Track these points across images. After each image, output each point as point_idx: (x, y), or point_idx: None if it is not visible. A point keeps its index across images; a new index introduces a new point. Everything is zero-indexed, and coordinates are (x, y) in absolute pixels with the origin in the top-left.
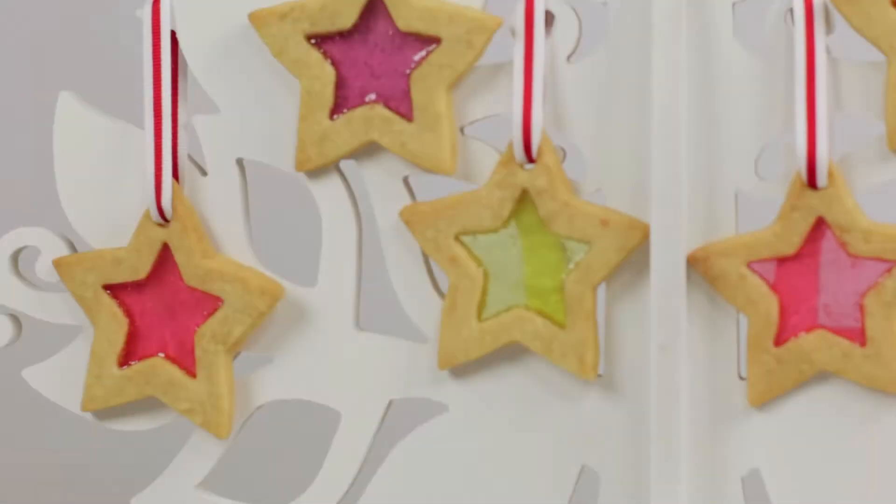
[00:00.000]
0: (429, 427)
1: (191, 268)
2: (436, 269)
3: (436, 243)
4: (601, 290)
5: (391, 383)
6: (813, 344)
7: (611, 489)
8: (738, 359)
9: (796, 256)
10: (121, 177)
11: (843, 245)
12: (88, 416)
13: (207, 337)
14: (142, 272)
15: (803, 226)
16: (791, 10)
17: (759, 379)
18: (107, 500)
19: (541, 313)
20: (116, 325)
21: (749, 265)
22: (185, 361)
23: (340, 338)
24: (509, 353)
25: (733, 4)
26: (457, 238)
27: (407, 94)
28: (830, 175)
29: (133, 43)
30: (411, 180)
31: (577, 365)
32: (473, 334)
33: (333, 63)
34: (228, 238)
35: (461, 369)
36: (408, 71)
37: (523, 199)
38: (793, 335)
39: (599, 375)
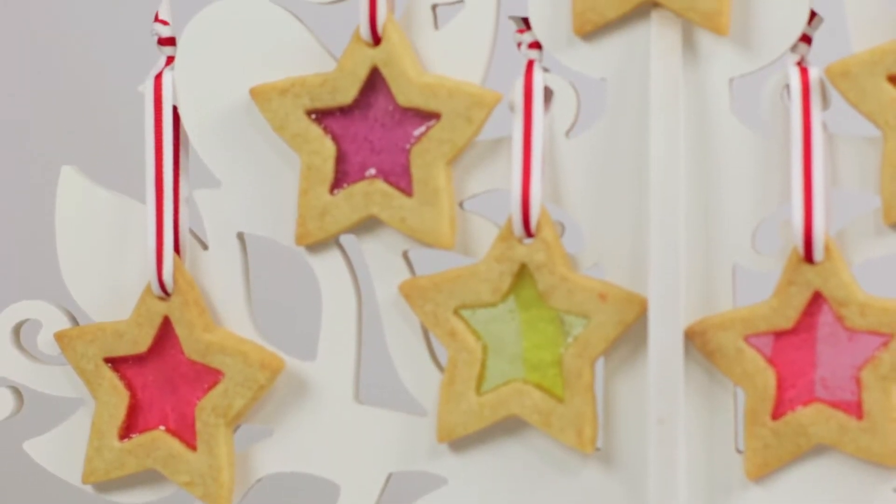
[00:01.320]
0: (428, 500)
1: (192, 341)
2: (435, 342)
3: (435, 317)
4: (599, 364)
5: (390, 456)
6: (810, 417)
7: None
8: (735, 432)
9: (793, 330)
10: (122, 250)
11: (839, 319)
12: (89, 488)
13: (208, 410)
14: (143, 345)
15: (800, 300)
16: (787, 86)
17: (756, 452)
18: None
19: (539, 387)
20: (117, 398)
21: (746, 339)
22: (186, 434)
23: (340, 411)
24: (508, 426)
25: (730, 80)
26: (456, 312)
27: (407, 168)
28: (827, 249)
29: (135, 117)
30: (411, 254)
31: (576, 438)
32: (472, 408)
33: (334, 138)
34: (229, 311)
35: (460, 442)
36: (408, 146)
37: (522, 273)
38: (790, 409)
39: (598, 449)
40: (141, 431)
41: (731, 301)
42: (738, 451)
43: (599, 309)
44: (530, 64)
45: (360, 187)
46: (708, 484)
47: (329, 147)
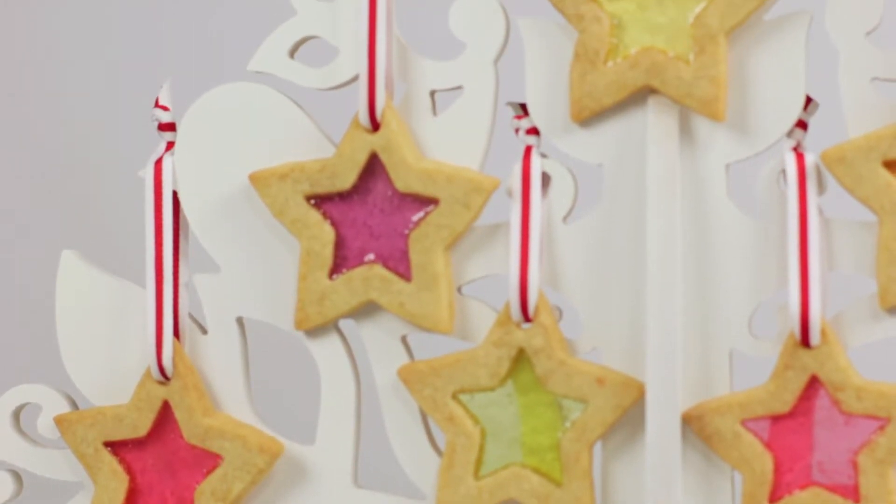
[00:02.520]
0: None
1: (191, 425)
2: (433, 426)
3: (433, 402)
4: (597, 448)
5: None
6: (807, 501)
7: None
8: None
9: (790, 414)
10: (122, 334)
11: (836, 403)
12: None
13: (207, 494)
14: (142, 429)
15: (797, 384)
16: (784, 171)
17: None
18: None
19: (537, 471)
20: (117, 482)
21: (743, 423)
22: None
23: (339, 495)
24: None
25: (726, 165)
26: (454, 396)
27: (405, 254)
28: (823, 334)
29: (135, 202)
30: (409, 339)
31: None
32: (471, 492)
33: (333, 223)
34: (228, 395)
35: None
36: (406, 231)
37: (520, 357)
38: (787, 493)
39: None
40: None
41: (728, 385)
42: None
43: (597, 393)
44: (528, 150)
45: (358, 272)
46: None
47: (328, 232)
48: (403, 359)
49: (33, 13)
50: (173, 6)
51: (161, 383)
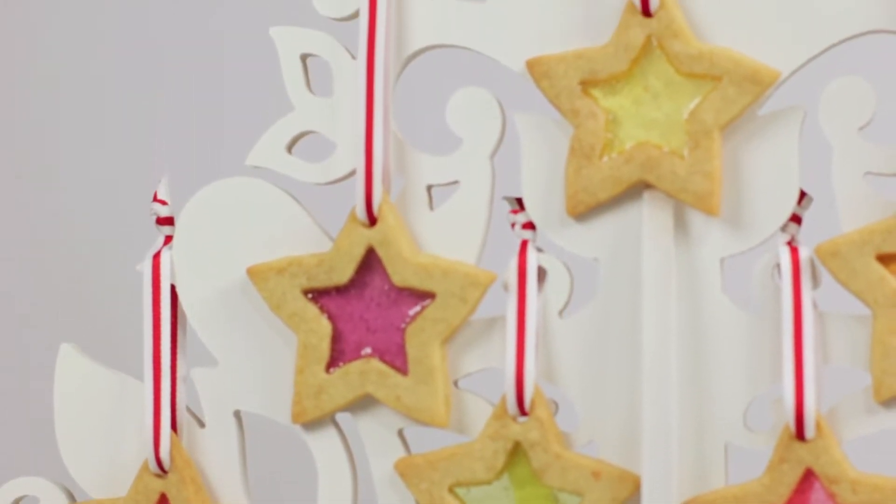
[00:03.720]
0: None
1: None
2: None
3: (430, 495)
4: None
5: None
6: None
7: None
8: None
9: None
10: (120, 428)
11: (831, 496)
12: None
13: None
14: None
15: (792, 477)
16: (778, 265)
17: None
18: None
19: None
20: None
21: None
22: None
23: None
24: None
25: (721, 259)
26: (451, 490)
27: (402, 348)
28: (818, 427)
29: (134, 296)
30: (406, 432)
31: None
32: None
33: (330, 317)
34: (226, 489)
35: None
36: (403, 325)
37: (516, 451)
38: None
39: None
40: None
41: (723, 478)
42: None
43: (593, 487)
44: (524, 244)
45: (355, 366)
46: None
47: (325, 326)
48: (400, 452)
49: (32, 103)
50: (172, 100)
51: (158, 476)
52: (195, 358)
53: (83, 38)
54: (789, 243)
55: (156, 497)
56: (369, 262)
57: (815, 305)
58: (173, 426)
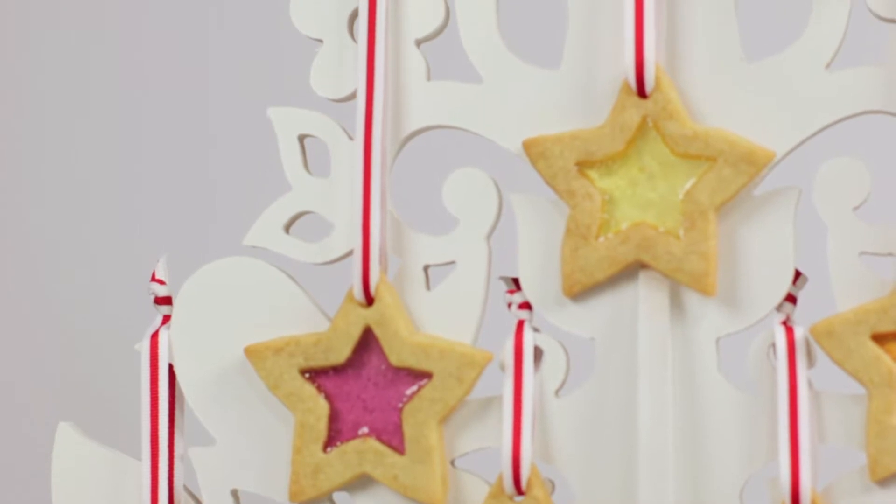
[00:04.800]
0: None
1: None
2: None
3: None
4: None
5: None
6: None
7: None
8: None
9: None
10: None
11: None
12: None
13: None
14: None
15: None
16: (774, 345)
17: None
18: None
19: None
20: None
21: None
22: None
23: None
24: None
25: (717, 339)
26: None
27: (399, 427)
28: None
29: (132, 375)
30: None
31: None
32: None
33: (327, 397)
34: None
35: None
36: (400, 405)
37: None
38: None
39: None
40: None
41: None
42: None
43: None
44: (520, 324)
45: (353, 445)
46: None
47: (322, 406)
48: None
49: (30, 187)
50: (171, 180)
51: None
52: (193, 437)
53: (86, 120)
54: (784, 323)
55: None
56: (366, 341)
57: (810, 384)
58: None
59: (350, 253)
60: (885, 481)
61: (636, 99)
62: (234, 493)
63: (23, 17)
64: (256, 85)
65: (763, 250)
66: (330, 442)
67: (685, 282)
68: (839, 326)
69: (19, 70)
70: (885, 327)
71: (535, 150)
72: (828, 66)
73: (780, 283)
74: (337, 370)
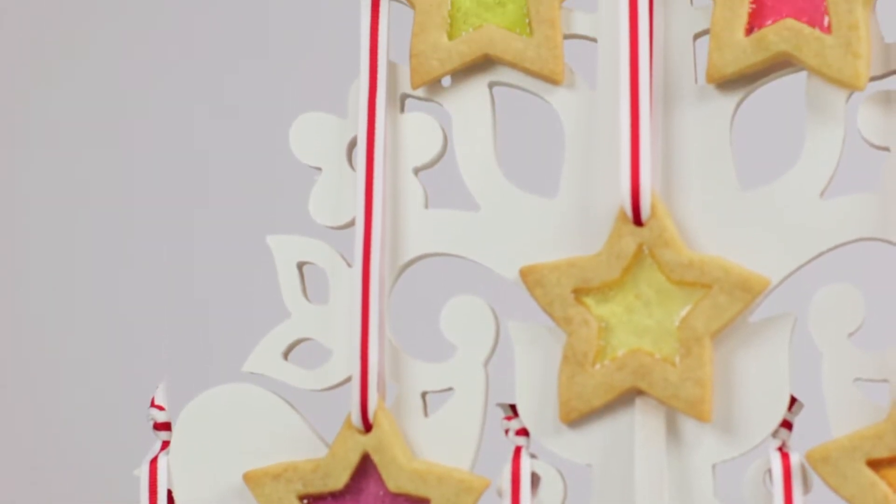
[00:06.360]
0: None
1: None
2: None
3: None
4: None
5: None
6: None
7: None
8: None
9: None
10: None
11: None
12: None
13: None
14: None
15: None
16: (769, 471)
17: None
18: None
19: None
20: None
21: None
22: None
23: None
24: None
25: (713, 465)
26: None
27: None
28: None
29: (131, 501)
30: None
31: None
32: None
33: None
34: None
35: None
36: None
37: None
38: None
39: None
40: None
41: None
42: None
43: None
44: (517, 450)
45: None
46: None
47: None
48: None
49: (30, 313)
50: (171, 306)
51: None
52: None
53: (85, 248)
54: (780, 449)
55: None
56: (364, 467)
57: None
58: None
59: (348, 379)
60: None
61: (632, 227)
62: None
63: (20, 144)
64: (256, 212)
65: (759, 376)
66: None
67: (681, 408)
68: (835, 452)
69: (13, 208)
70: (880, 453)
71: (531, 278)
72: (822, 193)
73: (775, 409)
74: (335, 496)
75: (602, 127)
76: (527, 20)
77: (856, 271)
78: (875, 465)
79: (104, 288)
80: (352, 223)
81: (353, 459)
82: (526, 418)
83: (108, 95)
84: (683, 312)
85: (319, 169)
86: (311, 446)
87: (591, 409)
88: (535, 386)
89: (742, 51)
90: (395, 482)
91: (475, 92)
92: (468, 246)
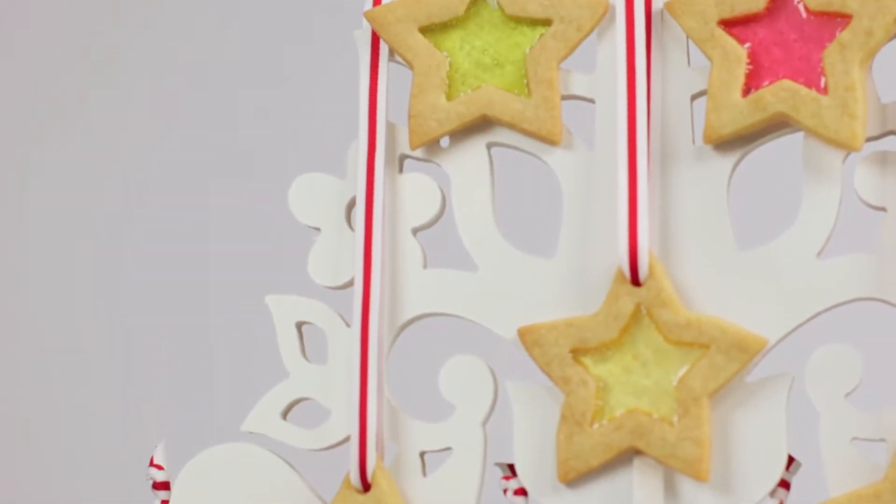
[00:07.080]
0: None
1: None
2: None
3: None
4: None
5: None
6: None
7: None
8: None
9: None
10: None
11: None
12: None
13: None
14: None
15: None
16: None
17: None
18: None
19: None
20: None
21: None
22: None
23: None
24: None
25: None
26: None
27: None
28: None
29: None
30: None
31: None
32: None
33: None
34: None
35: None
36: None
37: None
38: None
39: None
40: None
41: None
42: None
43: None
44: None
45: None
46: None
47: None
48: None
49: (31, 371)
50: (169, 365)
51: None
52: None
53: (85, 309)
54: None
55: None
56: None
57: None
58: None
59: (347, 439)
60: None
61: (630, 287)
62: None
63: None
64: (255, 272)
65: (756, 436)
66: None
67: (679, 468)
68: None
69: (13, 233)
70: None
71: (530, 338)
72: (819, 253)
73: (773, 468)
74: None
75: (600, 187)
76: (525, 81)
77: (853, 331)
78: None
79: (106, 345)
80: (351, 283)
81: None
82: (524, 478)
83: (108, 157)
84: (681, 372)
85: (318, 229)
86: None
87: (590, 468)
88: (533, 445)
89: (739, 112)
90: None
91: (473, 152)
92: (467, 306)
